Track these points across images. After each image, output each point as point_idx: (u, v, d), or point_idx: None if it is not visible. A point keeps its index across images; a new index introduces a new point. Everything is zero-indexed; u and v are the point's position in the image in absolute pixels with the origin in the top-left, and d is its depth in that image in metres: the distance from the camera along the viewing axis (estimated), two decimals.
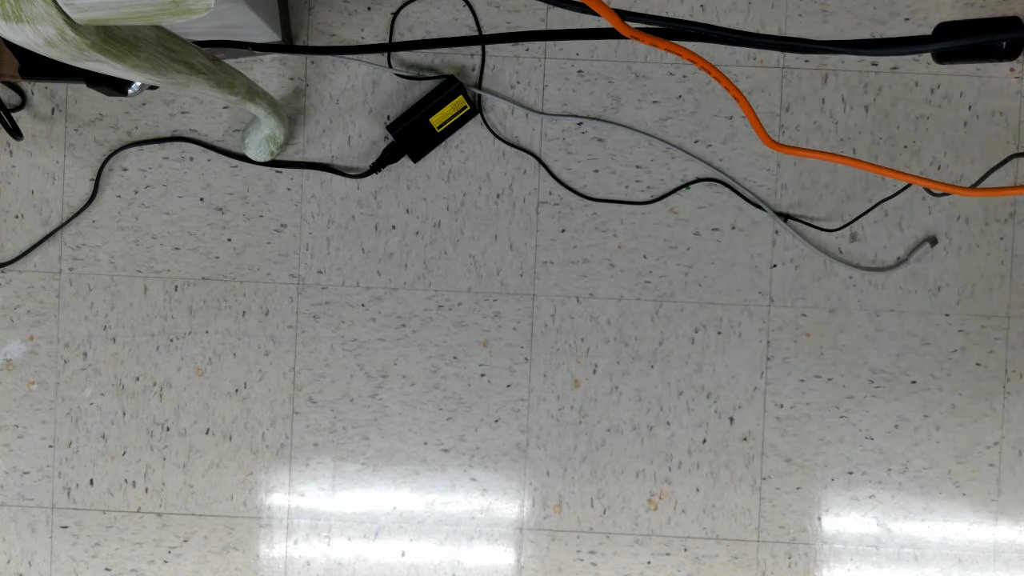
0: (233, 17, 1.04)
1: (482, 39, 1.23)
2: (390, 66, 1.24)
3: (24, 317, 1.26)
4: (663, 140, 1.24)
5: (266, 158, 1.22)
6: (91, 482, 1.26)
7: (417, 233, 1.25)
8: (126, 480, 1.26)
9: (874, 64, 1.25)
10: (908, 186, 1.22)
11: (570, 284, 1.26)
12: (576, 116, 1.25)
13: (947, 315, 1.25)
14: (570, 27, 1.12)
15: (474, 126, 1.25)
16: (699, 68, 0.88)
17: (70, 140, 1.25)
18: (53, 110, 1.25)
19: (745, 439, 1.26)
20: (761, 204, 1.24)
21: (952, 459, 1.25)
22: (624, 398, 1.26)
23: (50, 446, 1.26)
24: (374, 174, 1.24)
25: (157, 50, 0.70)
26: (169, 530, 1.26)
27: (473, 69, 1.25)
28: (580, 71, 1.25)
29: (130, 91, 1.06)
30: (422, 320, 1.26)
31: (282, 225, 1.25)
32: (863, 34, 1.24)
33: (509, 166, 1.25)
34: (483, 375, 1.26)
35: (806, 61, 1.25)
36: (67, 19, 0.55)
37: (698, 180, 1.25)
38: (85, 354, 1.26)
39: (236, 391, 1.26)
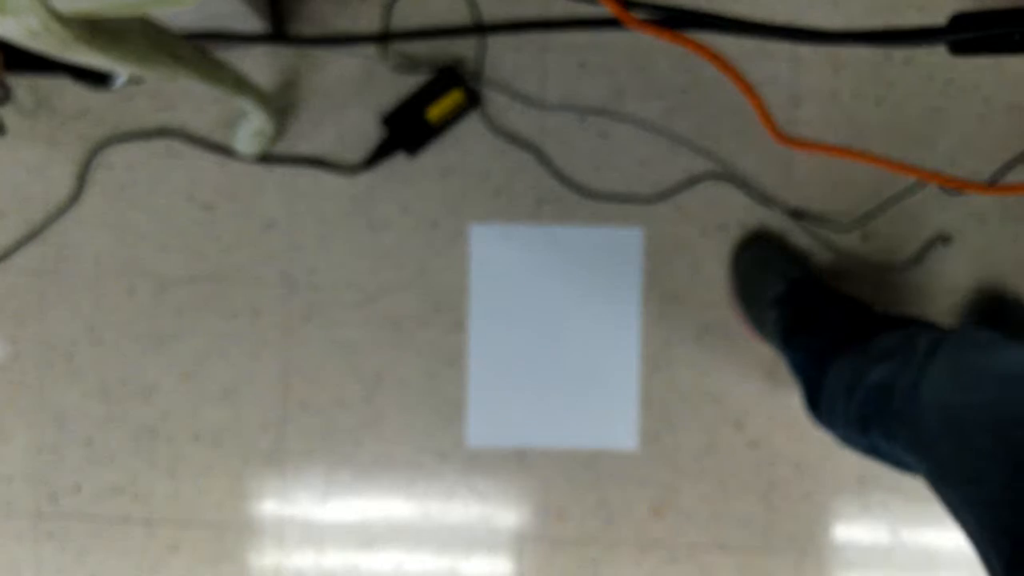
0: (220, 6, 1.03)
1: (481, 29, 1.21)
2: (385, 57, 1.22)
3: (7, 319, 1.24)
4: (667, 135, 1.22)
5: (256, 153, 1.21)
6: (78, 488, 1.25)
7: (413, 231, 1.24)
8: (113, 487, 1.25)
9: (887, 56, 1.23)
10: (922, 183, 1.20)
11: None
12: (578, 109, 1.23)
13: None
14: (572, 17, 1.09)
15: (472, 120, 1.23)
16: (706, 60, 0.85)
17: (54, 136, 1.24)
18: (37, 105, 1.23)
19: (753, 445, 1.24)
20: (770, 203, 1.22)
21: None
22: None
23: (35, 451, 1.24)
24: (368, 170, 1.23)
25: (143, 42, 0.71)
26: (157, 539, 1.24)
27: (472, 61, 1.22)
28: (582, 63, 1.23)
29: (115, 85, 1.06)
30: (418, 322, 1.24)
31: (272, 223, 1.24)
32: (875, 24, 1.22)
33: (508, 161, 1.23)
34: None
35: (817, 53, 1.22)
36: (51, 11, 0.55)
37: (704, 177, 1.23)
38: (70, 357, 1.24)
39: (225, 395, 1.24)
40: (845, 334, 0.96)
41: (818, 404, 0.97)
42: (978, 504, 0.64)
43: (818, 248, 1.22)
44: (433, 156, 1.24)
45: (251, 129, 1.17)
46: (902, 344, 0.83)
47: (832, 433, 0.94)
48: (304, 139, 1.24)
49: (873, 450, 0.85)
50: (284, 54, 1.23)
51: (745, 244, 1.22)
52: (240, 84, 1.00)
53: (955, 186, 0.93)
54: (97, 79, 1.03)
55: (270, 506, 1.24)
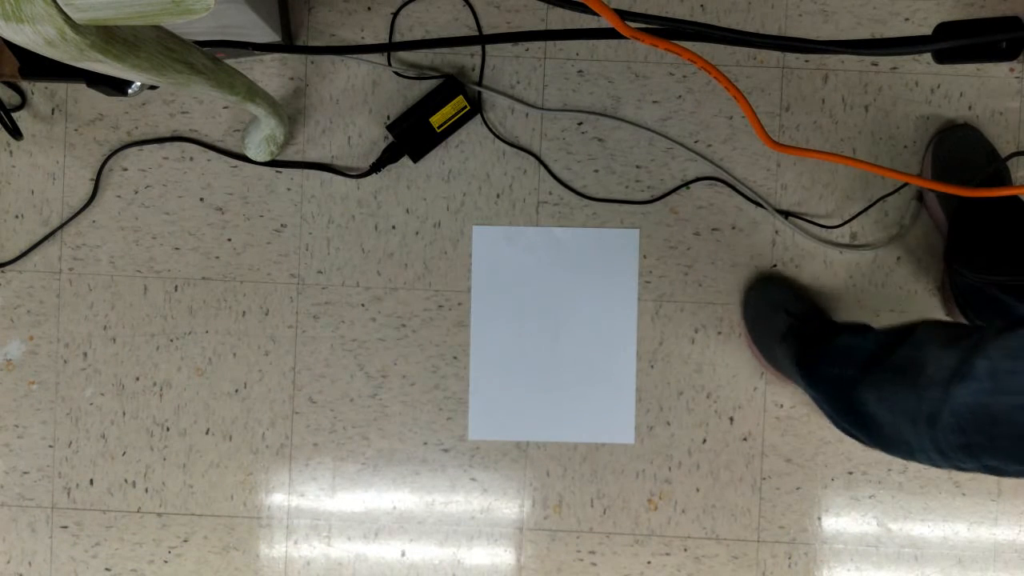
0: (233, 17, 1.04)
1: (482, 39, 1.23)
2: (390, 65, 1.24)
3: (24, 317, 1.26)
4: (664, 136, 1.24)
5: (266, 158, 1.22)
6: (91, 482, 1.26)
7: (417, 233, 1.25)
8: (126, 480, 1.26)
9: (874, 64, 1.24)
10: (907, 185, 1.22)
11: None
12: (577, 111, 1.25)
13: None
14: (570, 27, 1.12)
15: (474, 126, 1.25)
16: (699, 68, 0.88)
17: (70, 140, 1.25)
18: (53, 110, 1.25)
19: (745, 439, 1.25)
20: (761, 201, 1.24)
21: None
22: None
23: (50, 446, 1.26)
24: (374, 174, 1.24)
25: (157, 50, 0.71)
26: (169, 530, 1.26)
27: (473, 69, 1.25)
28: (580, 71, 1.25)
29: (130, 91, 1.06)
30: (422, 320, 1.26)
31: (282, 225, 1.25)
32: (863, 34, 1.24)
33: (509, 166, 1.25)
34: None
35: (806, 61, 1.25)
36: (67, 19, 0.55)
37: (698, 179, 1.25)
38: (85, 354, 1.26)
39: (236, 391, 1.26)
40: (863, 358, 0.93)
41: (875, 435, 0.90)
42: None
43: (807, 241, 1.25)
44: (436, 161, 1.25)
45: (262, 135, 1.18)
46: (964, 358, 0.78)
47: (906, 459, 0.87)
48: (313, 144, 1.25)
49: (985, 470, 0.80)
50: (294, 63, 1.24)
51: (752, 286, 1.24)
52: (252, 91, 1.00)
53: (941, 189, 0.95)
54: (112, 85, 1.04)
55: (279, 498, 1.26)
